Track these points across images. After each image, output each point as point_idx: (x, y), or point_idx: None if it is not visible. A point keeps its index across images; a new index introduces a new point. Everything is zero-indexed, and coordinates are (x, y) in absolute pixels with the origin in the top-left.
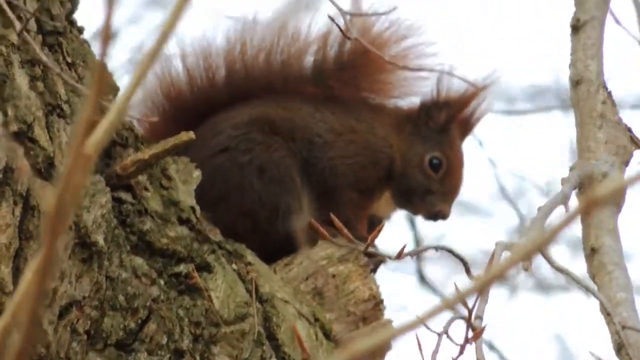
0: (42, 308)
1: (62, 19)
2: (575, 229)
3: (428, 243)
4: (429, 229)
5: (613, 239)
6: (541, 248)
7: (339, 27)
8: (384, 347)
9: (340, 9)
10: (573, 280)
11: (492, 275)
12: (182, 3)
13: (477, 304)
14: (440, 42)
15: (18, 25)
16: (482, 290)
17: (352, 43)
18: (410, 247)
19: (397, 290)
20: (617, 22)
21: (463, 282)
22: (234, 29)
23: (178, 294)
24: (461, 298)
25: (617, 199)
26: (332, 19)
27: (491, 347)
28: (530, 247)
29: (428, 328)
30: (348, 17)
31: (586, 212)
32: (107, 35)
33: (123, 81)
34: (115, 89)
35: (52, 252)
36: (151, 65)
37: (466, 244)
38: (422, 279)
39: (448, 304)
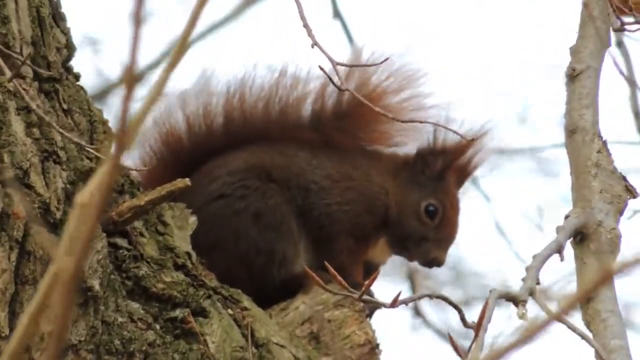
0: None
1: (59, 66)
2: (570, 277)
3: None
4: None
5: (608, 286)
6: (560, 318)
7: (331, 80)
8: None
9: (332, 61)
10: (568, 328)
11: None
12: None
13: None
14: (438, 92)
15: (8, 72)
16: None
17: (349, 93)
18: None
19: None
20: (621, 72)
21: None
22: (234, 77)
23: (174, 338)
24: None
25: (612, 247)
26: (324, 72)
27: None
28: (547, 317)
29: None
30: (342, 68)
31: (602, 283)
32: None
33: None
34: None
35: (67, 318)
36: (155, 102)
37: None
38: (417, 313)
39: None
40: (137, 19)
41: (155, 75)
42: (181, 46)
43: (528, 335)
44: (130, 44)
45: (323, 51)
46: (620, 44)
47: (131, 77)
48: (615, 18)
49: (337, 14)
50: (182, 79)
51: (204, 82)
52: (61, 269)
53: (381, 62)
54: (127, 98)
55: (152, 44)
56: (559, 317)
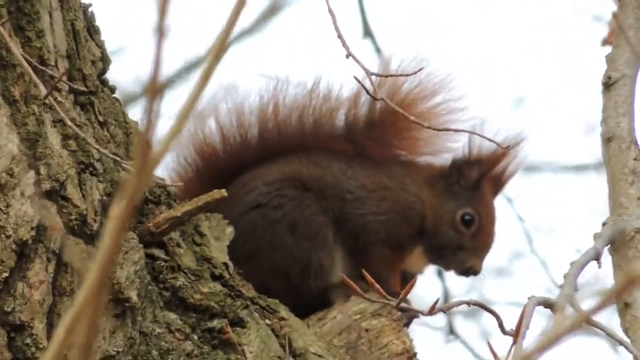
0: None
1: (94, 79)
2: (609, 284)
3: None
4: (458, 282)
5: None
6: (588, 319)
7: (366, 89)
8: None
9: (367, 70)
10: (607, 334)
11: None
12: (220, 48)
13: None
14: (470, 96)
15: (43, 89)
16: None
17: (381, 103)
18: (439, 300)
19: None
20: None
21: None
22: (267, 88)
23: (212, 348)
24: None
25: None
26: (358, 81)
27: None
28: (577, 318)
29: None
30: (375, 78)
31: (625, 289)
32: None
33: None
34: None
35: (94, 329)
36: (187, 118)
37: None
38: (451, 331)
39: None
40: (160, 31)
41: (178, 90)
42: (215, 58)
43: (556, 337)
44: (153, 56)
45: (357, 61)
46: None
47: (154, 89)
48: None
49: (367, 33)
50: (213, 90)
51: (235, 92)
52: (89, 280)
53: (415, 72)
54: (150, 110)
55: (173, 57)
56: (587, 320)
